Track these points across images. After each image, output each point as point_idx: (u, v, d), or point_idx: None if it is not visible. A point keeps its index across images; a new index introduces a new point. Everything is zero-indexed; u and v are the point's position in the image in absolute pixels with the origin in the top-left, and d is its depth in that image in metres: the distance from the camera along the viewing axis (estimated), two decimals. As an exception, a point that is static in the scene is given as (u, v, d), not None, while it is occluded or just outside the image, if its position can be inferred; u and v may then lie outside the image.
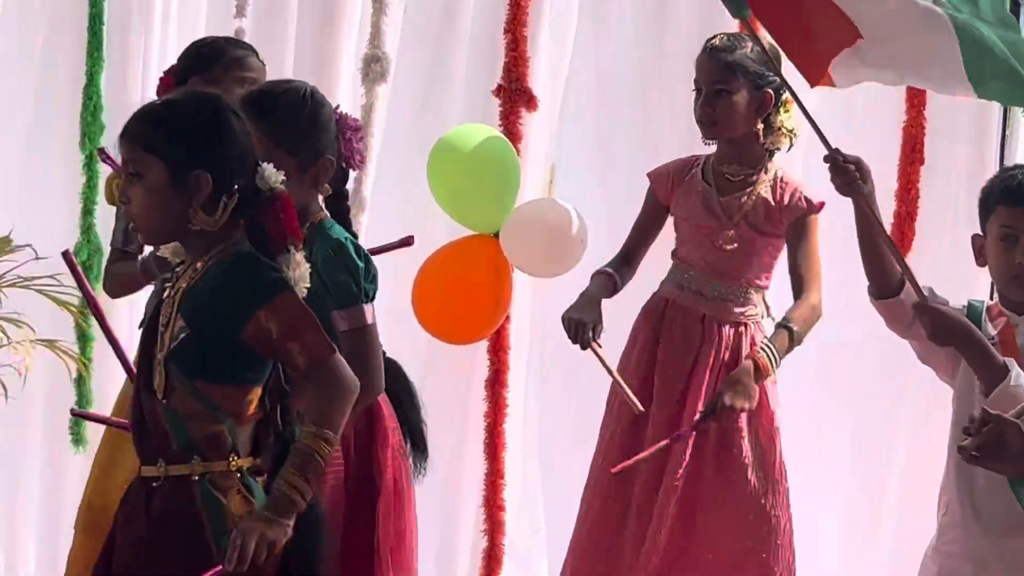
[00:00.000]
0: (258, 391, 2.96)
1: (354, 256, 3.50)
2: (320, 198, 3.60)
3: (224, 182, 2.93)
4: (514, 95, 5.24)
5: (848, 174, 3.49)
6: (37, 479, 5.40)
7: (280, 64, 5.32)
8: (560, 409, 5.43)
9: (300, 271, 2.97)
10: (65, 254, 3.63)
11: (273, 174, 2.98)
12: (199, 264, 2.97)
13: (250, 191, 2.96)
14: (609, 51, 5.43)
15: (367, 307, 3.48)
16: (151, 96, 5.30)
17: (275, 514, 2.83)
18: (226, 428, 2.92)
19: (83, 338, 5.16)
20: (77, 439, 5.29)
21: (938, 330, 3.42)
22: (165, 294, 3.03)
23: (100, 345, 5.20)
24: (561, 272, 5.00)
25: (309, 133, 3.55)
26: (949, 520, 3.59)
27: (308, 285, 2.99)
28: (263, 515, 2.84)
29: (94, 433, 5.29)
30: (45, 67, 5.36)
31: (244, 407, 2.94)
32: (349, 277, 3.47)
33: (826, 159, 3.51)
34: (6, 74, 5.36)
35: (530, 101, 5.27)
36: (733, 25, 5.18)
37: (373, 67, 5.07)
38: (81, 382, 5.24)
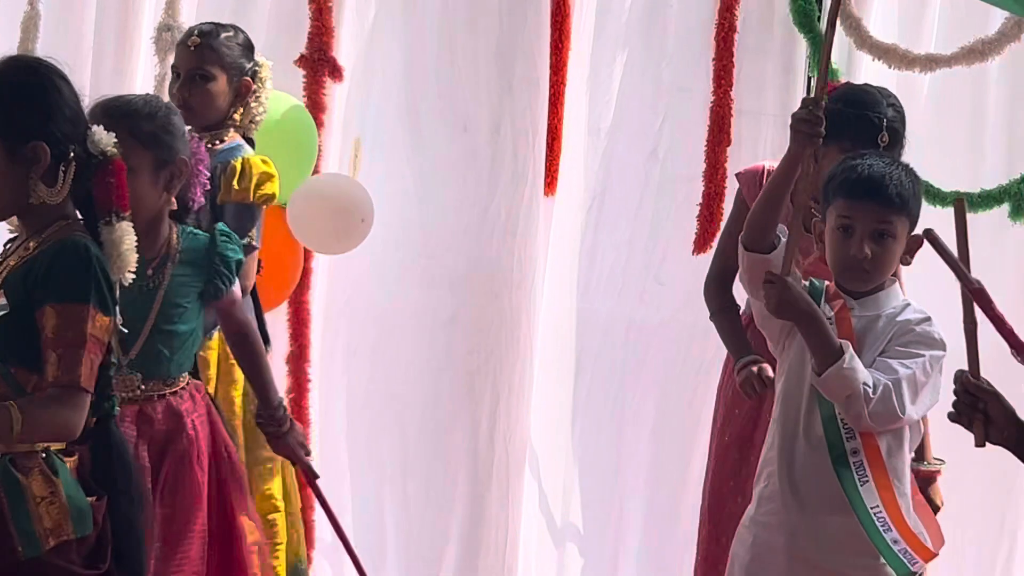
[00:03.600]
0: None
1: None
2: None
3: (61, 150, 2.84)
4: (317, 65, 5.15)
5: (816, 125, 3.55)
6: None
7: (79, 36, 5.20)
8: (365, 384, 5.37)
9: (124, 243, 2.88)
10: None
11: (104, 136, 2.88)
12: (32, 243, 2.87)
13: (83, 157, 2.87)
14: (417, 24, 5.36)
15: None
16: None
17: None
18: None
19: None
20: None
21: (781, 304, 3.52)
22: None
23: None
24: (343, 250, 4.93)
25: (167, 131, 3.57)
26: (768, 493, 3.66)
27: (133, 260, 2.91)
28: None
29: None
30: None
31: None
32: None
33: (804, 103, 3.59)
34: None
35: (334, 71, 5.19)
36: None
37: (164, 36, 4.98)
38: None
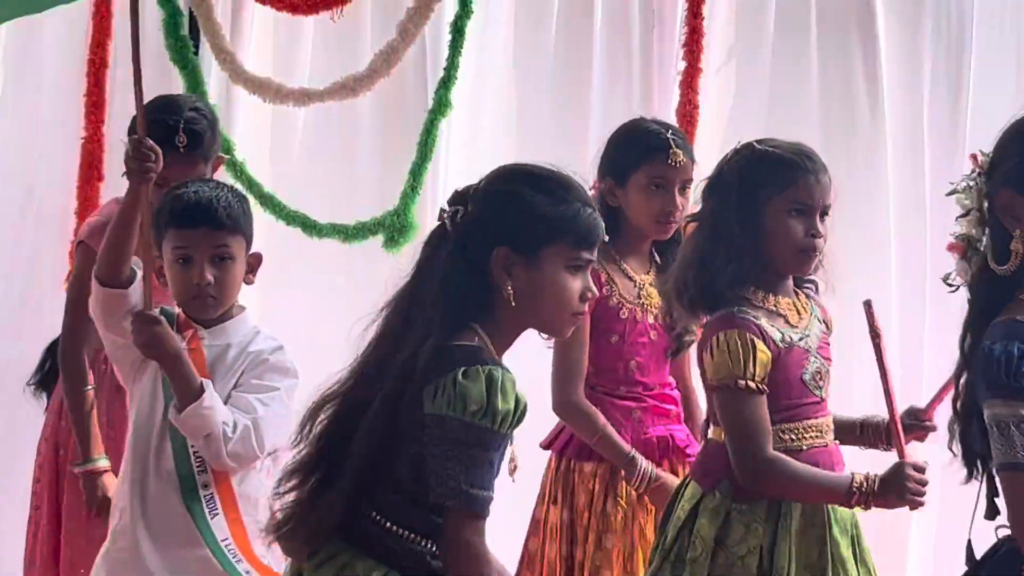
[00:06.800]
0: None
1: None
2: None
3: None
4: None
5: (146, 160, 3.55)
6: None
7: None
8: None
9: None
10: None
11: None
12: None
13: None
14: None
15: None
16: None
17: None
18: None
19: None
20: None
21: (151, 344, 3.50)
22: None
23: None
24: None
25: None
26: (121, 528, 3.60)
27: None
28: None
29: None
30: None
31: None
32: None
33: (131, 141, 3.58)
34: None
35: None
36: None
37: None
38: None
